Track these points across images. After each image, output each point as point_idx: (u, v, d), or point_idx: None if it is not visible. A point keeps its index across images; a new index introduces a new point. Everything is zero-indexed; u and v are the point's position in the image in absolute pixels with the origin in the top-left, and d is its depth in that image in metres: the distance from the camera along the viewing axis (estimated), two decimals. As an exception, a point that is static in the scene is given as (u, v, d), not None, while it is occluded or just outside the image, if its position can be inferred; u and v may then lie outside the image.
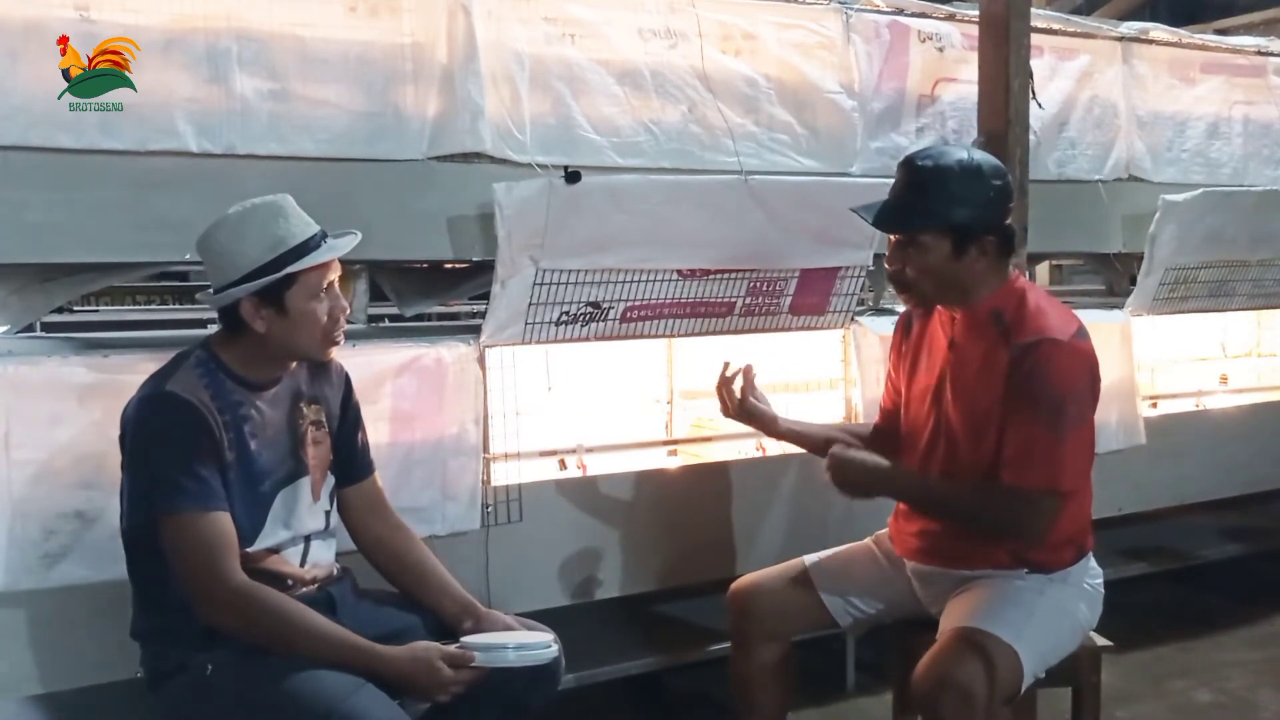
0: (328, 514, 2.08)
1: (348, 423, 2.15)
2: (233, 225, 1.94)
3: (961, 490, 2.18)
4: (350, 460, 2.15)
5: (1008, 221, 2.19)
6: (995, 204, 2.15)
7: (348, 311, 2.03)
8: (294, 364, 2.05)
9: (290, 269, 1.90)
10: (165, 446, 1.85)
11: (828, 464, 2.20)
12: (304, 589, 1.99)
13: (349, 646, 1.86)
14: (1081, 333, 2.15)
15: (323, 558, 2.07)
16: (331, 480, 2.10)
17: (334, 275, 1.99)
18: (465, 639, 1.95)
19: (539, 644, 1.98)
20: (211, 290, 1.98)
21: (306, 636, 1.85)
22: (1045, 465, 2.07)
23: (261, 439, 1.97)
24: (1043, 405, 2.06)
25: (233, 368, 1.96)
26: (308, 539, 2.03)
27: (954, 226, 2.12)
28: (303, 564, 2.02)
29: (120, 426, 1.94)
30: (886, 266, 2.25)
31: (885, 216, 2.20)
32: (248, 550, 1.92)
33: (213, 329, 2.09)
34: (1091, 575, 2.26)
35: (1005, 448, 2.10)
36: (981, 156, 2.18)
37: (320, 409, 2.09)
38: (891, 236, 2.22)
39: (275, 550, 1.98)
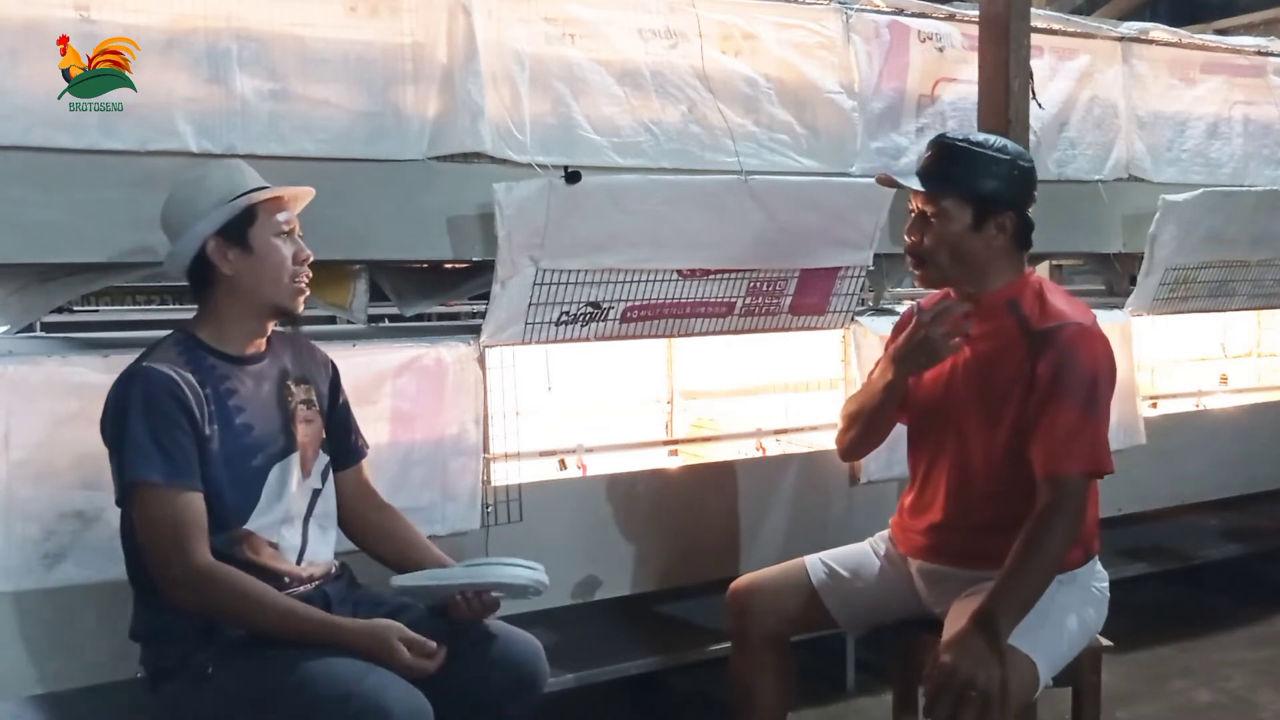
0: (317, 492, 2.09)
1: (338, 409, 2.18)
2: (191, 182, 2.02)
3: (1027, 543, 2.04)
4: (342, 447, 2.18)
5: (1029, 210, 2.22)
6: (1019, 182, 2.19)
7: (310, 258, 2.06)
8: (270, 328, 2.07)
9: (250, 199, 1.96)
10: (138, 418, 1.86)
11: (941, 676, 1.92)
12: (301, 587, 1.99)
13: (308, 620, 1.88)
14: (1097, 322, 2.18)
15: (321, 555, 2.07)
16: (325, 459, 2.12)
17: (295, 224, 2.05)
18: (450, 569, 2.00)
19: (528, 571, 2.01)
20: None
21: (265, 612, 1.86)
22: (1087, 447, 2.08)
23: (251, 412, 1.98)
24: (1076, 388, 2.07)
25: (209, 342, 2.00)
26: (305, 528, 2.04)
27: (978, 196, 2.15)
28: (299, 561, 2.02)
29: (102, 414, 1.95)
30: (906, 239, 2.25)
31: (918, 178, 2.22)
32: (247, 529, 1.94)
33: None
34: (1098, 578, 2.26)
35: (1039, 439, 2.09)
36: (1009, 142, 2.26)
37: (309, 388, 2.12)
38: (912, 210, 2.23)
39: (273, 544, 1.98)
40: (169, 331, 2.05)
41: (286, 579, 1.97)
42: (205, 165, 2.05)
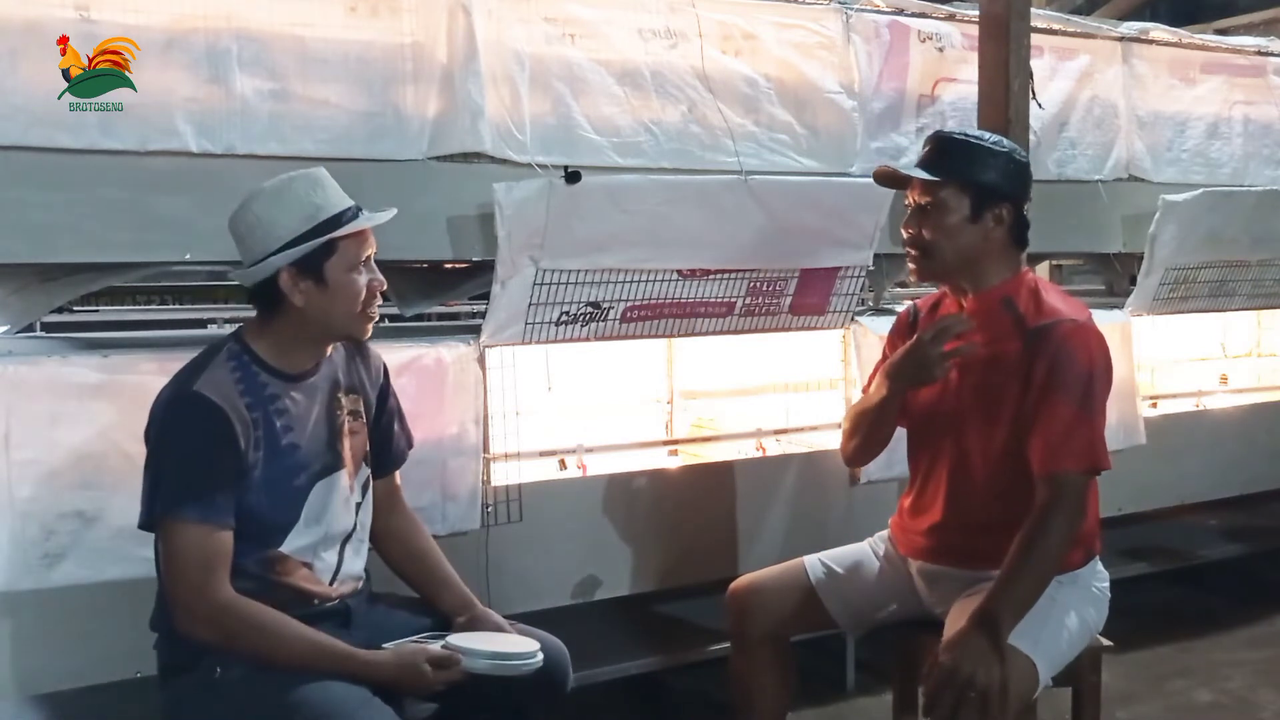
0: (358, 506, 2.06)
1: (385, 415, 2.14)
2: (269, 196, 1.92)
3: (1025, 541, 2.05)
4: (386, 453, 2.15)
5: (1026, 209, 2.23)
6: (1016, 174, 2.21)
7: (384, 286, 2.00)
8: (329, 350, 2.02)
9: (332, 235, 1.88)
10: (182, 451, 1.84)
11: (941, 676, 1.92)
12: (327, 604, 1.98)
13: (332, 655, 1.85)
14: (1092, 319, 2.18)
15: (353, 573, 2.05)
16: (366, 471, 2.09)
17: (371, 249, 1.97)
18: (450, 639, 1.94)
19: (520, 654, 1.94)
20: (245, 265, 1.94)
21: (287, 648, 1.84)
22: (1084, 444, 2.08)
23: (298, 431, 1.95)
24: (1072, 385, 2.08)
25: (266, 358, 1.94)
26: (342, 546, 2.01)
27: (975, 185, 2.17)
28: (333, 582, 2.00)
29: (148, 420, 1.92)
30: (904, 232, 2.25)
31: (917, 166, 2.24)
32: (282, 552, 1.91)
33: (213, 329, 2.08)
34: (1099, 579, 2.25)
35: (1037, 437, 2.09)
36: (1004, 138, 2.30)
37: (358, 398, 2.08)
38: (909, 203, 2.24)
39: (308, 564, 1.96)
40: (223, 341, 1.97)
41: (316, 600, 1.96)
42: (286, 177, 1.93)
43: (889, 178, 2.29)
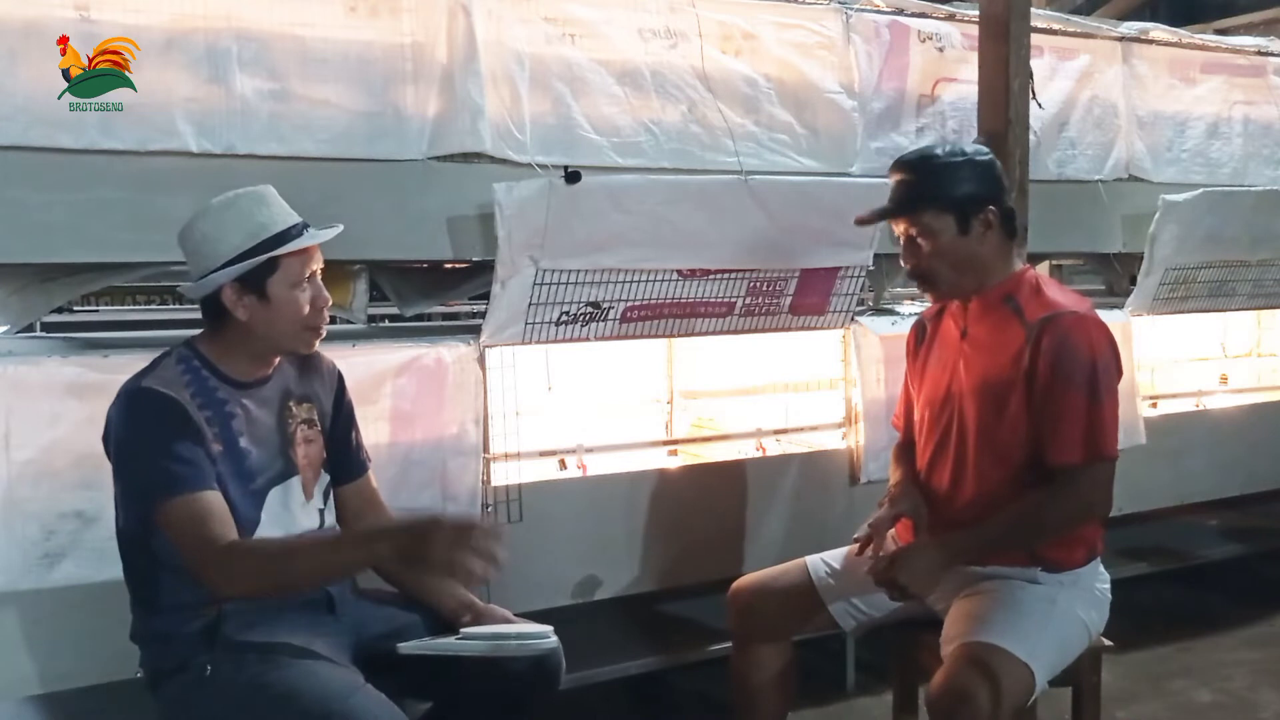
0: (322, 512, 2.06)
1: (340, 421, 2.14)
2: (215, 214, 1.93)
3: (1015, 509, 2.14)
4: (344, 459, 2.14)
5: (1008, 201, 2.25)
6: (988, 176, 2.22)
7: (329, 302, 2.01)
8: (278, 359, 2.03)
9: (273, 253, 1.89)
10: (148, 439, 1.84)
11: (896, 573, 2.11)
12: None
13: (350, 541, 1.89)
14: (1094, 309, 2.20)
15: None
16: (326, 478, 2.09)
17: (316, 266, 1.98)
18: (465, 630, 1.94)
19: (538, 634, 1.97)
20: (192, 279, 1.95)
21: (307, 555, 1.84)
22: (1091, 434, 2.10)
23: (251, 437, 1.95)
24: (1076, 375, 2.10)
25: (216, 364, 1.95)
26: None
27: (954, 201, 2.17)
28: None
29: (104, 430, 1.92)
30: (903, 266, 2.28)
31: (890, 208, 2.25)
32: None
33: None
34: (1100, 580, 2.26)
35: (1045, 429, 2.12)
36: (960, 143, 2.31)
37: (312, 407, 2.08)
38: (901, 236, 2.25)
39: None
40: (173, 348, 1.98)
41: None
42: (232, 194, 1.94)
43: (875, 218, 2.30)
